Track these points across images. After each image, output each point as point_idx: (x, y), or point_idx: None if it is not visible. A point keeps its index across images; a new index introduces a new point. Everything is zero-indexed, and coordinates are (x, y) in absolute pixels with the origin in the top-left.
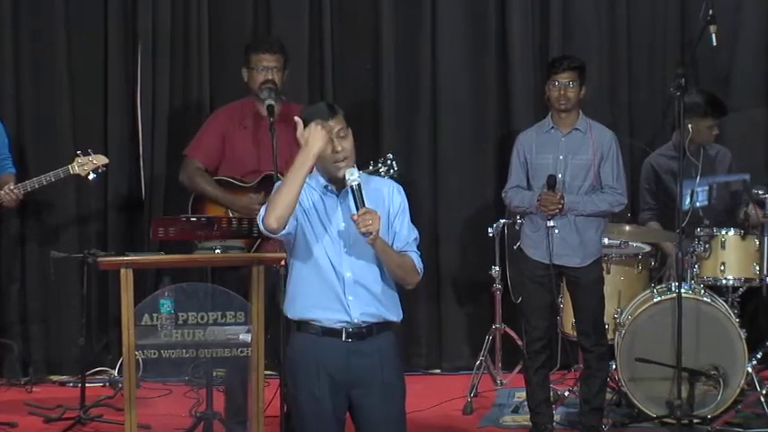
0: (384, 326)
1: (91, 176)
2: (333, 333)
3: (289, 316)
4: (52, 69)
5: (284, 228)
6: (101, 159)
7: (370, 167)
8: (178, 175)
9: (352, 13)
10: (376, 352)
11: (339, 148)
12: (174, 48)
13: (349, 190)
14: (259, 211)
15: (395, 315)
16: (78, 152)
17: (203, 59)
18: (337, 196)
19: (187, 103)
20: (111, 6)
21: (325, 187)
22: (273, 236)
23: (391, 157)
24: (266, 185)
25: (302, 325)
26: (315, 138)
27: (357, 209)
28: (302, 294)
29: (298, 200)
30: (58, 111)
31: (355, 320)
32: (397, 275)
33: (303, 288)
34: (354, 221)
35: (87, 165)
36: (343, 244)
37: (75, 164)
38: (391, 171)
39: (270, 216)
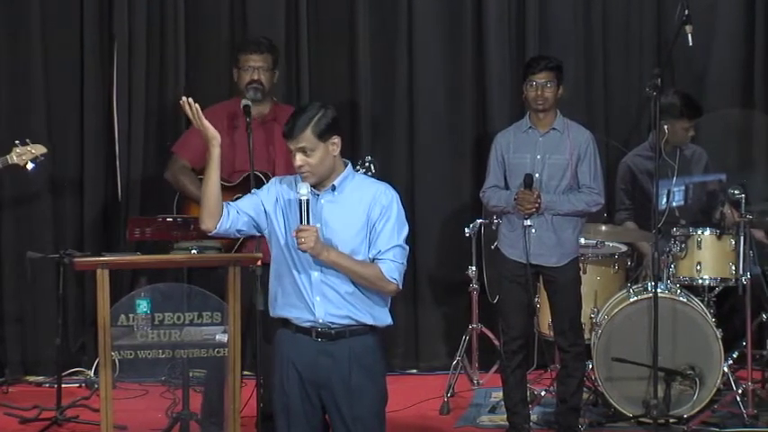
0: (360, 329)
1: (29, 166)
2: (304, 331)
3: (271, 314)
4: (28, 69)
5: (224, 225)
6: (39, 149)
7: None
8: (163, 173)
9: (329, 12)
10: (346, 354)
11: (298, 164)
12: (150, 47)
13: (297, 203)
14: None
15: (371, 318)
16: (17, 141)
17: (180, 59)
18: (317, 198)
19: (164, 102)
20: (87, 6)
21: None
22: (215, 234)
23: (370, 159)
24: (248, 185)
25: (284, 321)
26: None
27: (301, 222)
28: (279, 293)
29: (217, 196)
30: (33, 111)
31: (320, 320)
32: (363, 286)
33: (279, 287)
34: (294, 236)
35: (26, 154)
36: None
37: (13, 153)
38: (369, 174)
39: (201, 215)
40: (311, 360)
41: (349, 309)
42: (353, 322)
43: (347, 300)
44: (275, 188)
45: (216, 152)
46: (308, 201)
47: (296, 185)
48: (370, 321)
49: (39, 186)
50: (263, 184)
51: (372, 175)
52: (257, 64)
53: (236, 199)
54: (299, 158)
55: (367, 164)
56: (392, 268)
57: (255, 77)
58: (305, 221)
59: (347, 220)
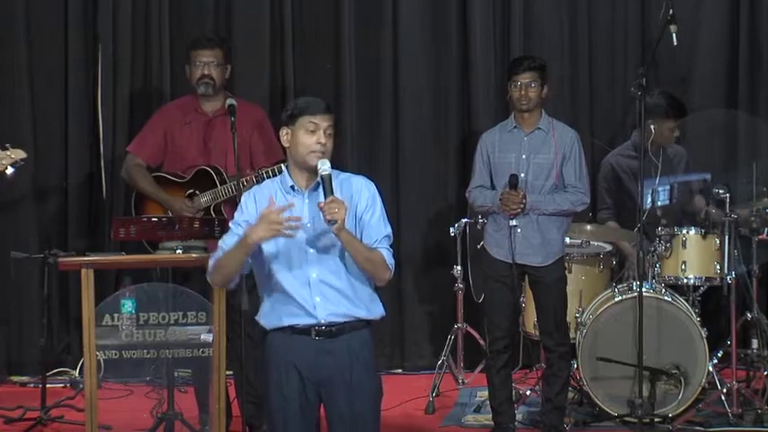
0: (356, 324)
1: (9, 171)
2: (303, 332)
3: (267, 328)
4: (12, 70)
5: (235, 280)
6: (18, 153)
7: None
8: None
9: (313, 11)
10: (345, 351)
11: (322, 141)
12: (134, 47)
13: (320, 179)
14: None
15: (368, 312)
16: None
17: (164, 59)
18: (303, 195)
19: (148, 102)
20: (72, 6)
21: (291, 187)
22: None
23: None
24: (200, 179)
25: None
26: (259, 226)
27: (326, 197)
28: (272, 308)
29: (238, 271)
30: (18, 111)
31: (322, 321)
32: (367, 270)
33: (272, 302)
34: (321, 209)
35: (5, 159)
36: (308, 243)
37: None
38: None
39: (214, 279)
40: (312, 359)
41: (347, 305)
42: (352, 318)
43: (345, 295)
44: (248, 211)
45: (252, 244)
46: (329, 175)
47: (281, 183)
48: (365, 315)
49: (24, 186)
50: (215, 178)
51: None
52: (207, 59)
53: (190, 195)
54: (324, 136)
55: None
56: (389, 256)
57: (206, 72)
58: (328, 194)
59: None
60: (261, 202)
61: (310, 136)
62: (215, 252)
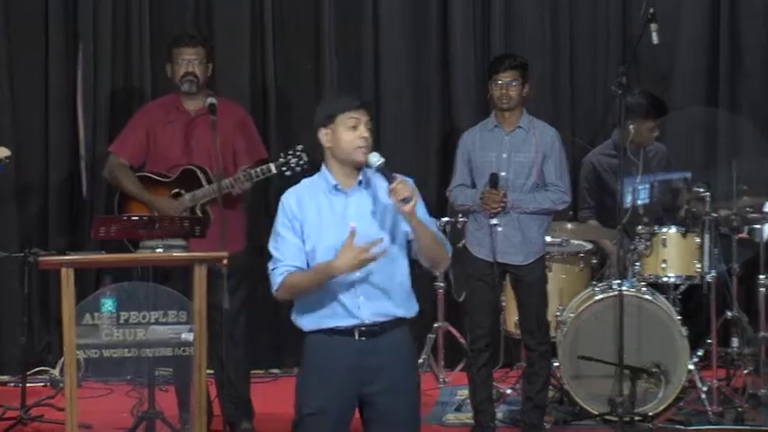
0: (397, 323)
1: None
2: (345, 333)
3: (305, 329)
4: None
5: None
6: (3, 152)
7: (281, 159)
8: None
9: (293, 9)
10: (388, 349)
11: (365, 135)
12: (115, 46)
13: (376, 170)
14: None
15: (407, 311)
16: None
17: (144, 58)
18: (346, 195)
19: (129, 101)
20: (52, 5)
21: (335, 187)
22: None
23: (300, 147)
24: (186, 179)
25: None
26: (348, 261)
27: (390, 183)
28: (311, 310)
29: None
30: None
31: (366, 321)
32: (431, 252)
33: (311, 302)
34: (392, 190)
35: None
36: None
37: None
38: (301, 162)
39: (283, 297)
40: (354, 360)
41: (389, 305)
42: (393, 317)
43: (388, 295)
44: (292, 212)
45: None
46: (384, 162)
47: (323, 183)
48: (404, 314)
49: (4, 185)
50: (199, 177)
51: (304, 164)
52: (191, 57)
53: (175, 195)
54: (365, 130)
55: (298, 153)
56: (444, 238)
57: (190, 70)
58: (391, 179)
59: (380, 210)
60: (306, 202)
61: (352, 132)
62: (273, 262)
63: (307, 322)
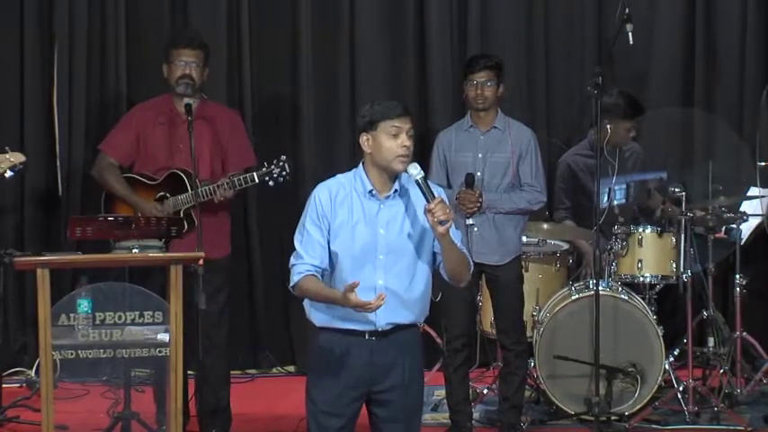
0: (409, 324)
1: (8, 174)
2: (357, 334)
3: (316, 324)
4: None
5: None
6: (18, 157)
7: (263, 169)
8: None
9: (270, 10)
10: (399, 348)
11: (407, 143)
12: (90, 46)
13: (415, 183)
14: None
15: (416, 317)
16: None
17: (120, 57)
18: (380, 201)
19: (105, 100)
20: (27, 5)
21: (370, 192)
22: None
23: (284, 158)
24: (172, 182)
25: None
26: (356, 304)
27: (427, 200)
28: (326, 307)
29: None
30: None
31: (380, 328)
32: (455, 271)
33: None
34: (430, 211)
35: (4, 162)
36: (379, 250)
37: None
38: (284, 173)
39: (298, 295)
40: (366, 358)
41: (404, 313)
42: (405, 322)
43: (404, 304)
44: (323, 207)
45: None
46: (424, 177)
47: (359, 185)
48: (416, 320)
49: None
50: (185, 182)
51: (287, 175)
52: (189, 59)
53: (160, 198)
54: (407, 139)
55: (281, 164)
56: (470, 258)
57: (187, 72)
58: (430, 197)
59: (411, 221)
60: (338, 201)
61: (393, 140)
62: (295, 257)
63: (319, 318)
